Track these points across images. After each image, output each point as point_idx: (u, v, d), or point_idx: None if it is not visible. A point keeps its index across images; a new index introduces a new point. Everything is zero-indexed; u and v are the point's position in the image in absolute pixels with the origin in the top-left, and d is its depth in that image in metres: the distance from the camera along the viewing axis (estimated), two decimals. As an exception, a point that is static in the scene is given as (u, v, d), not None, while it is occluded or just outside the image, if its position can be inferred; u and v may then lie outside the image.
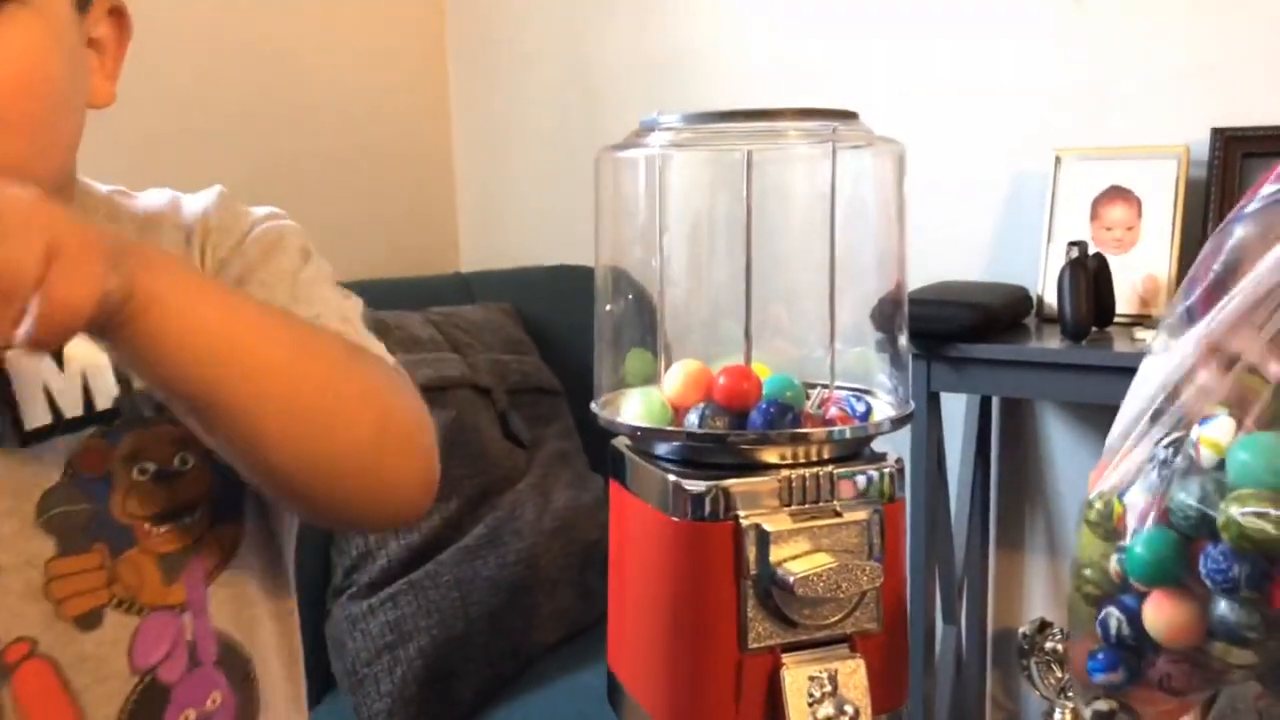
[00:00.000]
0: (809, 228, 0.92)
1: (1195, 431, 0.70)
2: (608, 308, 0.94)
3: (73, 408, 0.61)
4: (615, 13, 2.16)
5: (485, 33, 2.33)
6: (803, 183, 0.94)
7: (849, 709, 0.79)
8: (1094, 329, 1.56)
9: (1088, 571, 0.76)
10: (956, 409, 1.82)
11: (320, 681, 1.49)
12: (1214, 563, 0.65)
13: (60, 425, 0.61)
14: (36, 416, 0.60)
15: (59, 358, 0.60)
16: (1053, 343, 1.59)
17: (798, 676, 0.79)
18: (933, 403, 1.66)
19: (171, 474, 0.64)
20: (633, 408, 0.88)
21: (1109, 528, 0.74)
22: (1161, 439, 0.72)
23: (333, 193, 2.08)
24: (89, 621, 0.61)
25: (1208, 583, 0.66)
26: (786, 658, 0.79)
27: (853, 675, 0.80)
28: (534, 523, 1.57)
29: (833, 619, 0.80)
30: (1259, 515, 0.63)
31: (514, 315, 1.94)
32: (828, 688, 0.79)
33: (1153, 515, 0.70)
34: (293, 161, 2.01)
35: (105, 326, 0.51)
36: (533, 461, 1.70)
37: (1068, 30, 1.77)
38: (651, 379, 0.91)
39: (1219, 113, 1.65)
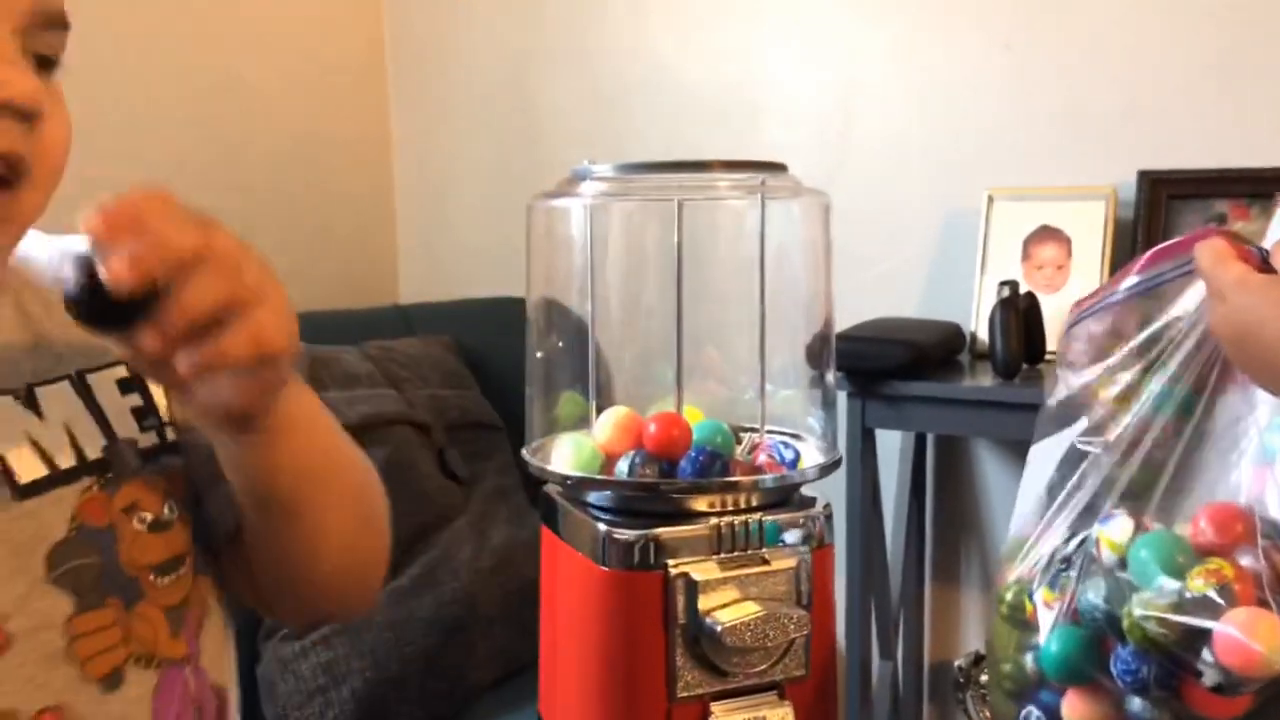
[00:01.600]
0: (739, 273, 0.93)
1: (1096, 530, 0.72)
2: (539, 354, 0.94)
3: (65, 458, 0.58)
4: (556, 52, 2.17)
5: (425, 66, 2.33)
6: (733, 230, 0.95)
7: (778, 756, 0.79)
8: (1025, 366, 1.59)
9: (1006, 667, 0.78)
10: (892, 445, 1.84)
11: (252, 724, 1.47)
12: (1124, 663, 0.67)
13: (56, 477, 0.57)
14: (28, 469, 0.56)
15: (36, 409, 0.58)
16: (985, 380, 1.61)
17: (727, 725, 0.79)
18: (867, 439, 1.67)
19: (164, 523, 0.62)
20: (563, 454, 0.88)
21: (1021, 619, 0.76)
22: (1066, 536, 0.74)
23: (272, 223, 2.06)
24: (112, 681, 0.57)
25: (1119, 683, 0.68)
26: (715, 706, 0.80)
27: (781, 722, 0.80)
28: (470, 561, 1.55)
29: (761, 666, 0.81)
30: (1160, 620, 0.65)
31: (453, 348, 1.94)
32: (756, 735, 0.80)
33: (1062, 612, 0.71)
34: (231, 191, 1.99)
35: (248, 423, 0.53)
36: (471, 498, 1.69)
37: (999, 72, 1.80)
38: (584, 422, 0.91)
39: (1146, 156, 1.69)
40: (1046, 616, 0.73)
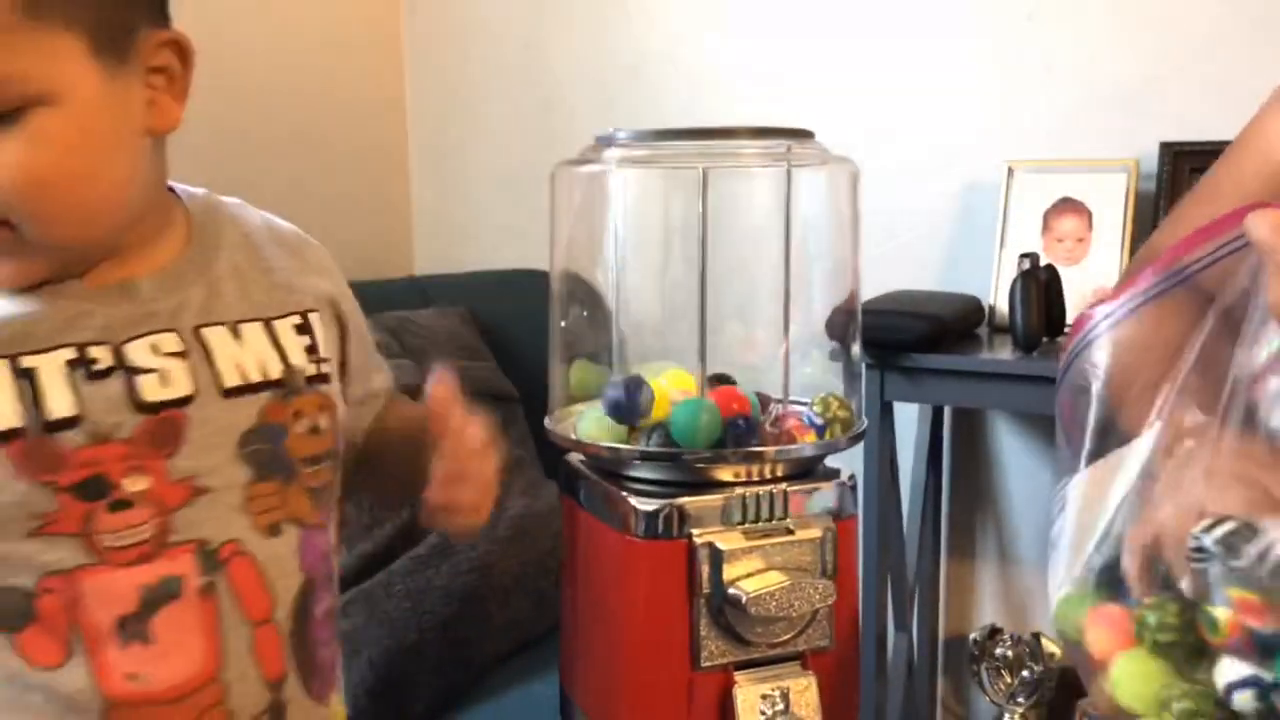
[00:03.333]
0: (764, 243, 0.92)
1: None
2: (562, 323, 0.94)
3: (256, 374, 0.79)
4: (573, 21, 2.15)
5: (442, 34, 2.31)
6: (758, 199, 0.94)
7: (801, 727, 0.79)
8: (1045, 339, 1.58)
9: (1180, 706, 0.64)
10: (909, 418, 1.84)
11: (270, 692, 1.47)
12: None
13: (249, 386, 0.79)
14: (232, 379, 0.78)
15: (239, 338, 0.80)
16: (1004, 353, 1.60)
17: (750, 695, 0.79)
18: (886, 412, 1.67)
19: (318, 430, 0.83)
20: (587, 424, 0.88)
21: (1190, 641, 0.65)
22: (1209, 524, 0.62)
23: (288, 196, 2.05)
24: (274, 531, 0.79)
25: None
26: (739, 676, 0.80)
27: (804, 693, 0.80)
28: (487, 531, 1.56)
29: (785, 637, 0.81)
30: None
31: (469, 320, 1.93)
32: (779, 706, 0.80)
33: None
34: (246, 164, 1.98)
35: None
36: (487, 468, 1.69)
37: (1020, 43, 1.78)
38: (600, 390, 0.90)
39: (1168, 127, 1.67)
40: (1263, 631, 0.61)
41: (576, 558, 0.90)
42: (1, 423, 0.71)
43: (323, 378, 0.84)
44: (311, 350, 0.84)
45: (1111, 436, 0.72)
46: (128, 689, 0.73)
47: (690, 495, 0.80)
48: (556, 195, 0.92)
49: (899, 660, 1.84)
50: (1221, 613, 0.62)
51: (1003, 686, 1.77)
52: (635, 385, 0.84)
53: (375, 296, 1.88)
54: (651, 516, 0.79)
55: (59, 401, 0.72)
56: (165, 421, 0.75)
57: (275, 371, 0.81)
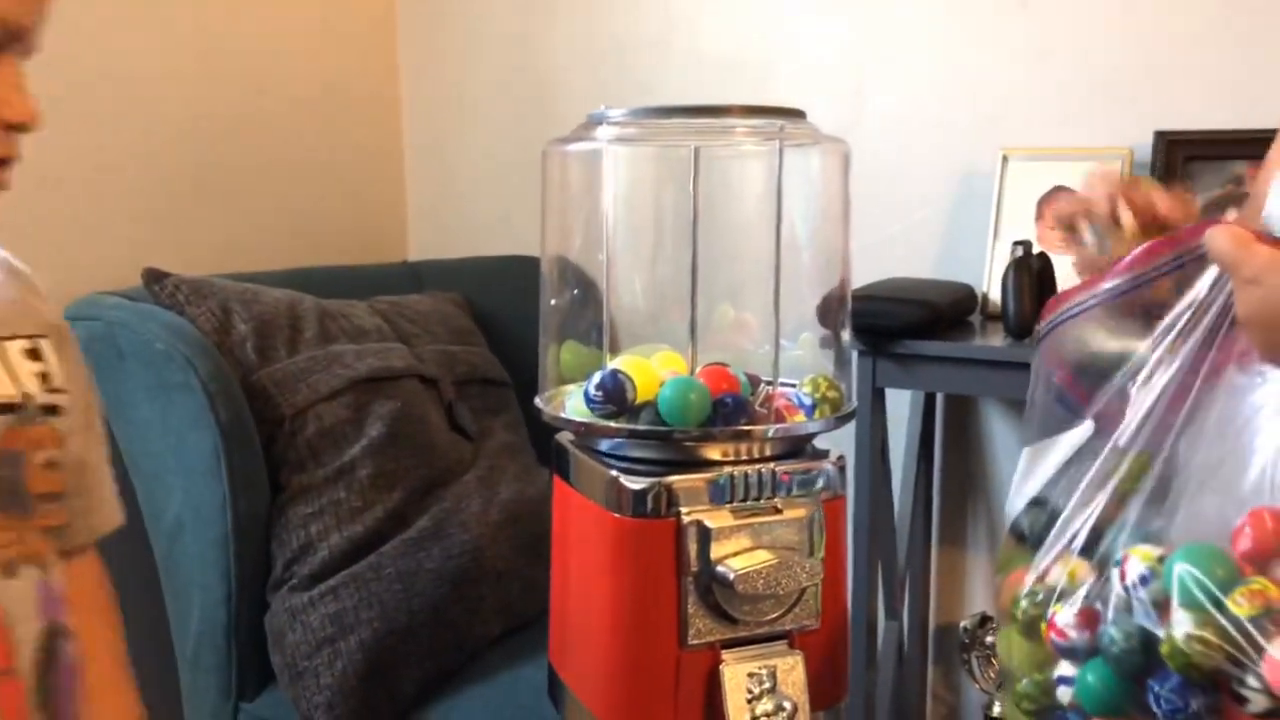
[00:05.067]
0: (755, 224, 0.92)
1: (1123, 548, 0.68)
2: (553, 301, 0.94)
3: None
4: (565, 8, 2.15)
5: (436, 21, 2.31)
6: (749, 179, 0.94)
7: (787, 705, 0.80)
8: (1037, 327, 1.58)
9: (1023, 685, 0.74)
10: (901, 405, 1.84)
11: (259, 675, 1.47)
12: (1168, 700, 0.63)
13: None
14: None
15: None
16: (996, 340, 1.60)
17: (737, 673, 0.79)
18: (877, 399, 1.66)
19: (55, 465, 0.77)
20: (577, 403, 0.88)
21: (1037, 635, 0.72)
22: (1085, 547, 0.70)
23: (282, 180, 2.05)
24: (9, 572, 0.72)
25: (1160, 717, 0.63)
26: (726, 654, 0.80)
27: (791, 672, 0.80)
28: (480, 515, 1.56)
29: (772, 615, 0.81)
30: (1203, 643, 0.61)
31: (463, 305, 1.93)
32: (766, 684, 0.80)
33: (1086, 641, 0.68)
34: (241, 149, 1.98)
35: None
36: (479, 453, 1.69)
37: (1015, 31, 1.78)
38: (589, 372, 0.90)
39: (1163, 116, 1.67)
40: (1075, 642, 0.68)
41: (566, 536, 0.90)
42: None
43: (54, 409, 0.77)
44: (45, 376, 0.77)
45: (1053, 420, 0.76)
46: None
47: (679, 474, 0.80)
48: (547, 174, 0.92)
49: (889, 648, 1.84)
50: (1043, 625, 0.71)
51: (993, 674, 1.77)
52: (611, 381, 0.83)
53: (369, 281, 1.89)
54: (640, 495, 0.79)
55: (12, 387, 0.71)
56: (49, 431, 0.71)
57: (7, 393, 0.74)
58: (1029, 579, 0.74)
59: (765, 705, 0.79)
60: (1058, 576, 0.71)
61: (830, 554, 0.82)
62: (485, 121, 2.28)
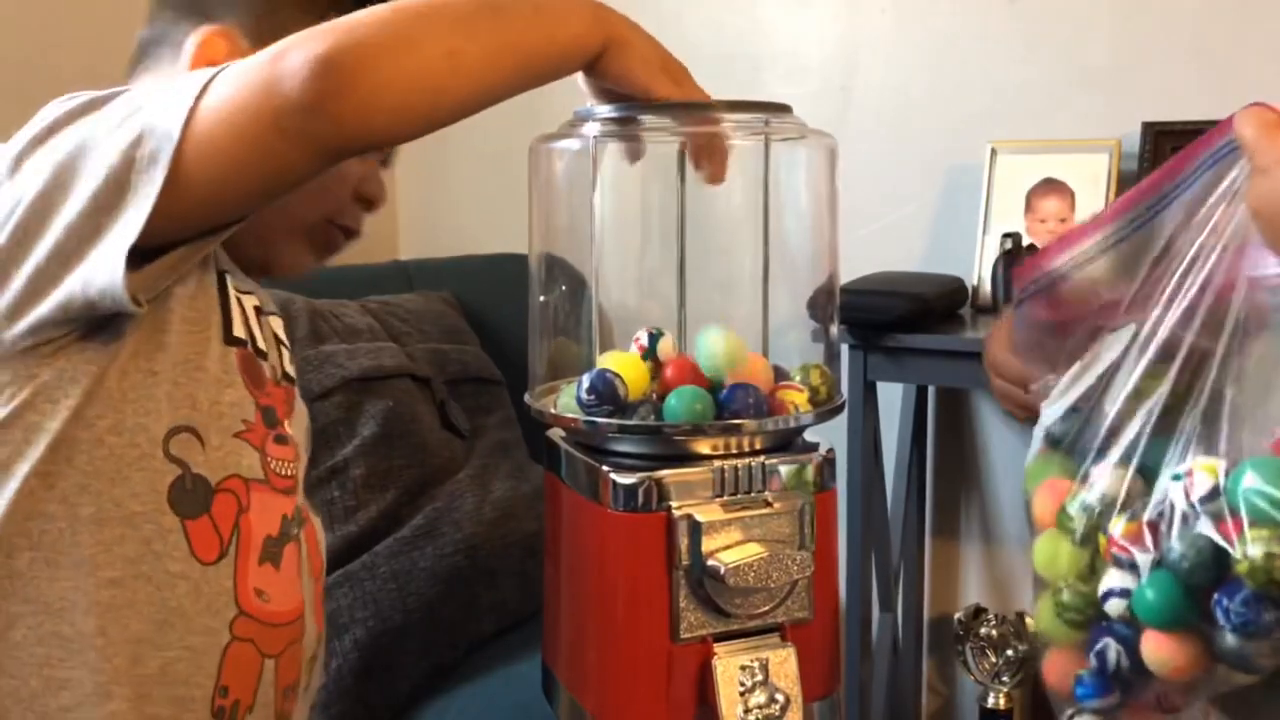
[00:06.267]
0: (743, 219, 0.92)
1: (1188, 461, 0.66)
2: (541, 298, 0.94)
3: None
4: (556, 1, 2.14)
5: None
6: (736, 175, 0.94)
7: (780, 698, 0.79)
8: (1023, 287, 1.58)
9: (1067, 596, 0.73)
10: (893, 398, 1.84)
11: (255, 674, 1.47)
12: (1238, 615, 0.62)
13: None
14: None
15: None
16: (987, 332, 1.61)
17: (729, 666, 0.79)
18: (869, 392, 1.67)
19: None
20: (568, 399, 0.88)
21: (1092, 545, 0.71)
22: (1138, 459, 0.70)
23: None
24: (315, 510, 0.93)
25: (1230, 630, 0.63)
26: (718, 647, 0.80)
27: (784, 664, 0.80)
28: (473, 513, 1.56)
29: (764, 608, 0.81)
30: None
31: (454, 304, 1.93)
32: (759, 677, 0.80)
33: (1152, 556, 0.67)
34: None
35: None
36: (472, 452, 1.69)
37: (1002, 24, 1.78)
38: (581, 368, 0.90)
39: (1150, 107, 1.67)
40: (1136, 556, 0.67)
41: (558, 532, 0.90)
42: (238, 329, 0.81)
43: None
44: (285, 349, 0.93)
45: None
46: (255, 603, 0.79)
47: (669, 468, 0.80)
48: (535, 171, 0.92)
49: (884, 641, 1.84)
50: (1103, 538, 0.70)
51: (987, 666, 1.78)
52: (601, 382, 0.83)
53: (360, 280, 1.89)
54: (630, 489, 0.79)
55: (260, 340, 0.84)
56: (291, 394, 0.87)
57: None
58: (1076, 488, 0.72)
59: (758, 698, 0.79)
60: (1110, 488, 0.70)
61: (822, 546, 0.82)
62: (474, 121, 2.27)
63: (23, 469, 0.73)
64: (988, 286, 1.67)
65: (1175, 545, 0.65)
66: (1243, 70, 1.64)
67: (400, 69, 0.71)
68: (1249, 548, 0.61)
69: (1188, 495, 0.65)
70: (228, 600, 0.78)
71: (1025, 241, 1.62)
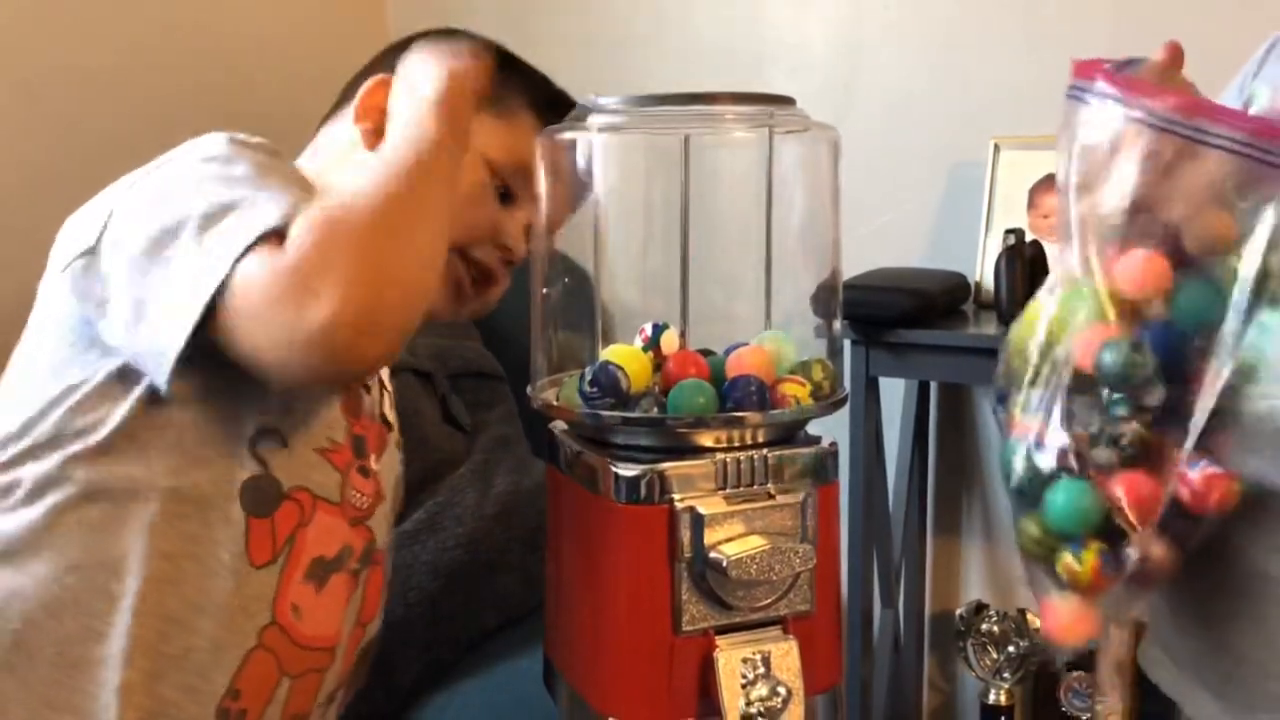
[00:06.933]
0: (746, 213, 0.92)
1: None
2: (544, 290, 0.94)
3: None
4: (558, 0, 2.15)
5: (426, 14, 2.30)
6: (740, 167, 0.94)
7: (782, 690, 0.80)
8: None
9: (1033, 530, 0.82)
10: (895, 394, 1.84)
11: (257, 668, 1.47)
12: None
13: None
14: None
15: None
16: (990, 329, 1.61)
17: (731, 659, 0.79)
18: (871, 388, 1.67)
19: None
20: (570, 392, 0.88)
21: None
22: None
23: (272, 175, 2.05)
24: (388, 555, 0.96)
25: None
26: (720, 640, 0.80)
27: (786, 657, 0.80)
28: (475, 508, 1.56)
29: (766, 601, 0.81)
30: None
31: (456, 300, 1.93)
32: (761, 669, 0.80)
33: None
34: (230, 142, 1.98)
35: None
36: (474, 446, 1.69)
37: (1005, 19, 1.78)
38: (584, 361, 0.90)
39: (1152, 104, 1.67)
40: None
41: (560, 525, 0.90)
42: None
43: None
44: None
45: None
46: (288, 617, 0.81)
47: (672, 461, 0.80)
48: (537, 164, 0.92)
49: (885, 637, 1.84)
50: None
51: (989, 662, 1.78)
52: (604, 375, 0.83)
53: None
54: (633, 482, 0.79)
55: None
56: (385, 436, 0.91)
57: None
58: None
59: (760, 690, 0.79)
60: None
61: (823, 539, 0.83)
62: (477, 115, 2.28)
63: (114, 422, 0.78)
64: (990, 283, 1.66)
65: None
66: (1244, 66, 1.63)
67: (407, 316, 0.77)
68: None
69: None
70: (264, 606, 0.80)
71: (1028, 238, 1.62)
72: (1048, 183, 1.72)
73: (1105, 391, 0.77)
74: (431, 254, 0.81)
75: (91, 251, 0.80)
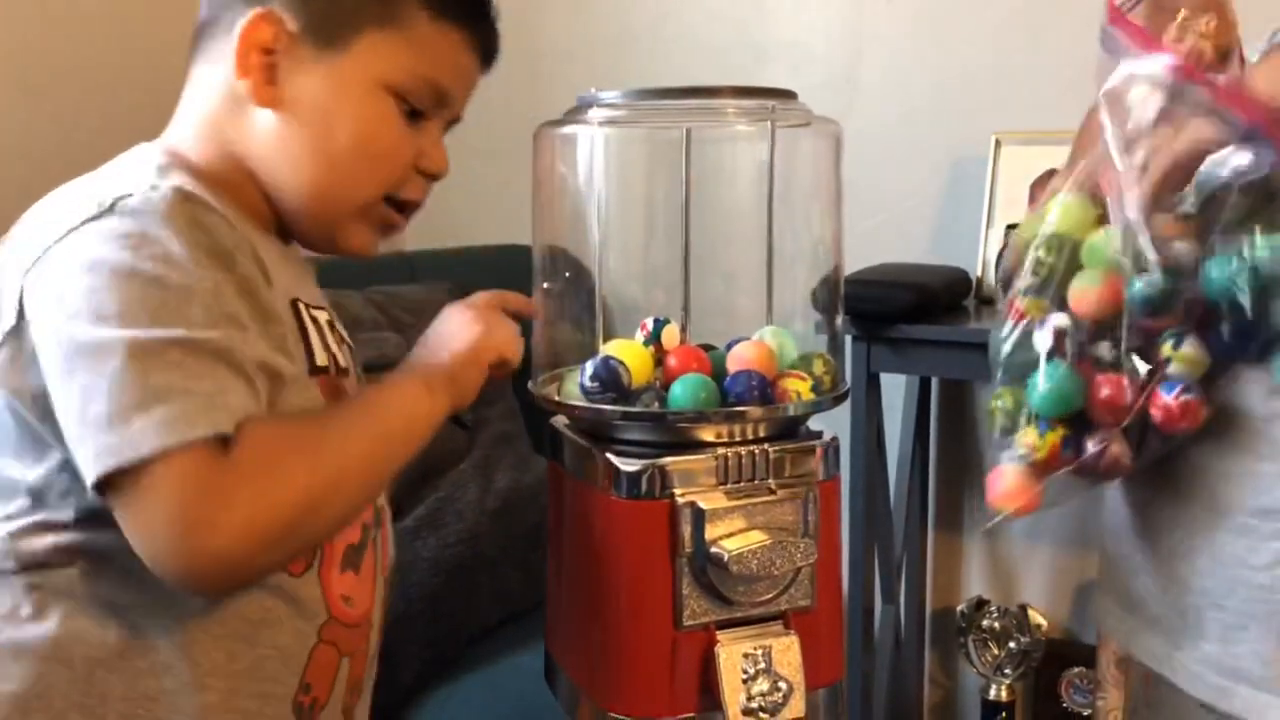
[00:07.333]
0: (747, 207, 0.92)
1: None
2: (545, 285, 0.94)
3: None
4: (560, -7, 2.15)
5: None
6: (741, 162, 0.94)
7: (783, 686, 0.80)
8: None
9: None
10: (896, 390, 1.84)
11: (258, 664, 1.47)
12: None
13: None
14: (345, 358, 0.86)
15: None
16: (991, 324, 1.60)
17: (732, 653, 0.79)
18: (872, 383, 1.67)
19: None
20: (571, 387, 0.88)
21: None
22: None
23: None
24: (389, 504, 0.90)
25: None
26: (721, 635, 0.80)
27: (786, 652, 0.80)
28: (476, 503, 1.56)
29: (767, 596, 0.81)
30: None
31: (457, 294, 1.91)
32: (762, 664, 0.80)
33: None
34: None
35: None
36: (475, 442, 1.69)
37: (1006, 15, 1.78)
38: (585, 356, 0.90)
39: (1154, 99, 1.67)
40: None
41: (561, 520, 0.90)
42: (320, 358, 0.81)
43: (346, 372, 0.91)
44: (342, 340, 0.91)
45: None
46: (342, 609, 0.81)
47: (673, 455, 0.80)
48: (538, 158, 0.92)
49: (886, 633, 1.84)
50: None
51: (989, 658, 1.78)
52: (605, 370, 0.83)
53: (362, 271, 1.88)
54: (634, 477, 0.79)
55: (336, 353, 0.83)
56: (352, 387, 0.85)
57: (345, 360, 0.88)
58: None
59: (761, 685, 0.79)
60: None
61: (824, 534, 0.82)
62: (477, 111, 2.27)
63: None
64: (991, 278, 1.66)
65: None
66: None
67: (287, 550, 0.73)
68: None
69: None
70: (319, 607, 0.80)
71: (1021, 228, 1.62)
72: (1049, 178, 1.72)
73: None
74: (360, 510, 0.82)
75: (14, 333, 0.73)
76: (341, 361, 0.85)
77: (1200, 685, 0.83)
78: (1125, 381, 0.79)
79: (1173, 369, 0.79)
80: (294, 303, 0.81)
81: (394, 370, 0.84)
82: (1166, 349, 0.78)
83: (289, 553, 0.74)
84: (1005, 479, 0.84)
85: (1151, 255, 0.78)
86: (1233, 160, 0.76)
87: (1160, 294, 0.78)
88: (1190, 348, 0.78)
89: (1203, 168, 0.78)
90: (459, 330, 0.86)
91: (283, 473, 0.69)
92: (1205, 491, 0.83)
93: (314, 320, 0.83)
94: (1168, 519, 0.86)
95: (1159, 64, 0.80)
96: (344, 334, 0.90)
